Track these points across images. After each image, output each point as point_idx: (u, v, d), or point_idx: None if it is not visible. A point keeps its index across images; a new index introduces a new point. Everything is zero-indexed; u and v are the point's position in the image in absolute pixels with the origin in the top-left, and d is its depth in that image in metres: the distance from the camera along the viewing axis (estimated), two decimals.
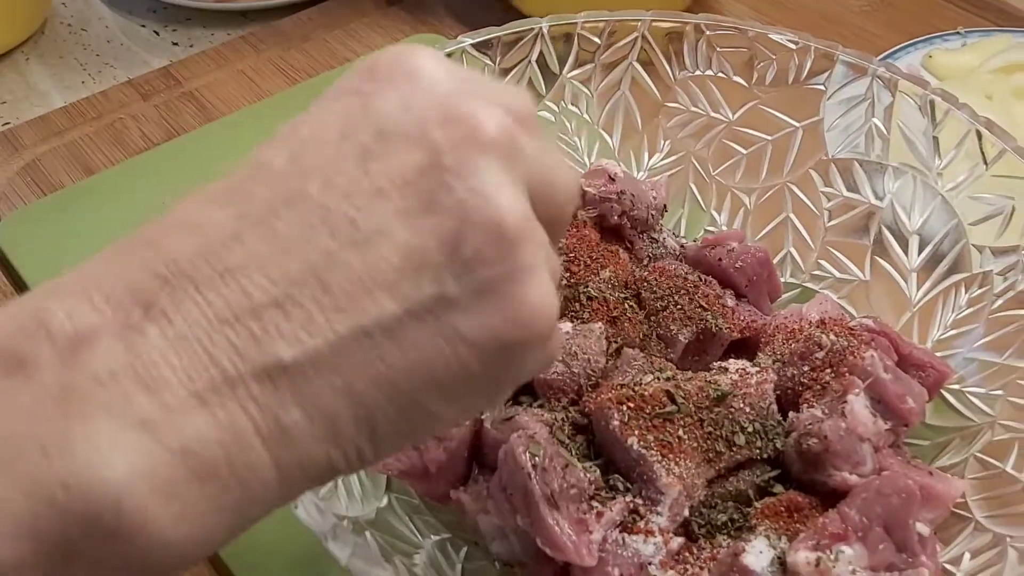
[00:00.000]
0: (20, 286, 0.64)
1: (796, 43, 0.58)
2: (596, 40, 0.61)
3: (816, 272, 0.60)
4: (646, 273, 0.56)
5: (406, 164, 0.28)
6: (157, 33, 0.91)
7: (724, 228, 0.62)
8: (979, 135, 0.53)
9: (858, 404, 0.47)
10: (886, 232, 0.58)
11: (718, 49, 0.60)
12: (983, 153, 0.53)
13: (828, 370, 0.49)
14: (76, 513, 0.24)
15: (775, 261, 0.60)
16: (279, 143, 0.29)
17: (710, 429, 0.47)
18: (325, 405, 0.27)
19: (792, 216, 0.61)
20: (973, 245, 0.54)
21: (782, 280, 0.60)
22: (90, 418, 0.25)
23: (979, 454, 0.49)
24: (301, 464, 0.27)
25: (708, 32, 0.60)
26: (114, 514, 0.24)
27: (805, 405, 0.49)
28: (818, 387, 0.49)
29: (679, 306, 0.54)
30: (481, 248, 0.27)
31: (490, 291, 0.28)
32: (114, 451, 0.24)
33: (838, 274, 0.59)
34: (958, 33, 0.83)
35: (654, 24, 0.60)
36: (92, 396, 0.25)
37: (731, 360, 0.51)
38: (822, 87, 0.59)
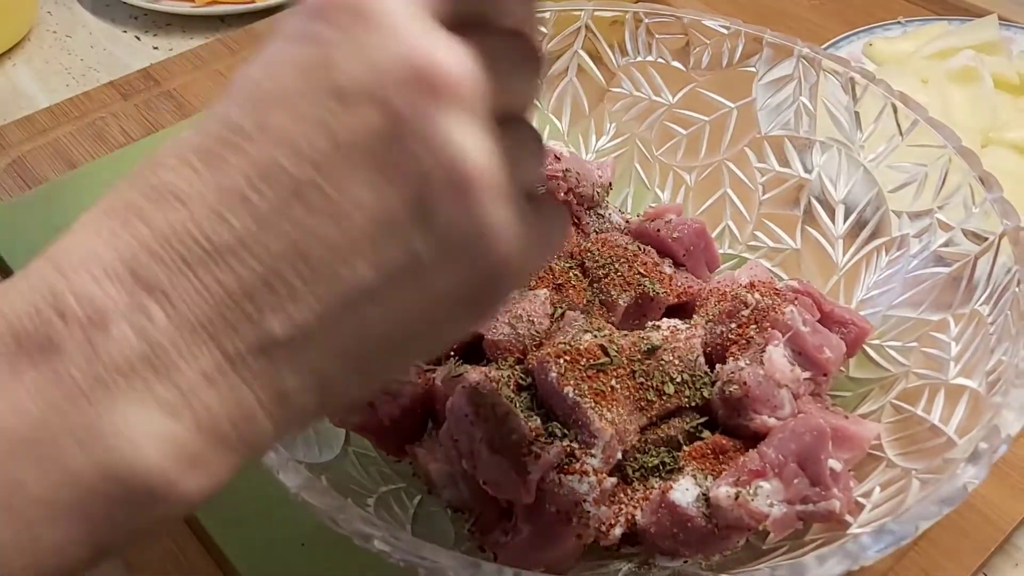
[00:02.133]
0: (7, 273, 0.68)
1: (728, 28, 0.62)
2: (543, 30, 0.65)
3: (752, 243, 0.64)
4: (589, 244, 0.60)
5: (369, 128, 0.28)
6: (138, 38, 0.95)
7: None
8: (895, 108, 0.57)
9: (776, 353, 0.51)
10: (815, 203, 0.62)
11: (656, 36, 0.64)
12: (898, 125, 0.57)
13: (753, 326, 0.53)
14: (117, 496, 0.28)
15: (715, 234, 0.64)
16: (243, 99, 0.30)
17: (641, 380, 0.50)
18: (318, 368, 0.30)
19: (729, 191, 0.65)
20: (892, 211, 0.58)
21: (721, 251, 0.64)
22: (117, 409, 0.28)
23: (894, 400, 0.52)
24: (297, 418, 0.31)
25: (647, 20, 0.64)
26: (149, 491, 0.28)
27: (731, 358, 0.52)
28: (743, 341, 0.53)
29: (619, 273, 0.57)
30: (442, 206, 0.29)
31: (458, 247, 0.29)
32: (142, 437, 0.28)
33: (772, 243, 0.63)
34: (899, 22, 0.87)
35: (596, 14, 0.64)
36: (115, 386, 0.28)
37: (664, 320, 0.55)
38: (753, 69, 0.63)
